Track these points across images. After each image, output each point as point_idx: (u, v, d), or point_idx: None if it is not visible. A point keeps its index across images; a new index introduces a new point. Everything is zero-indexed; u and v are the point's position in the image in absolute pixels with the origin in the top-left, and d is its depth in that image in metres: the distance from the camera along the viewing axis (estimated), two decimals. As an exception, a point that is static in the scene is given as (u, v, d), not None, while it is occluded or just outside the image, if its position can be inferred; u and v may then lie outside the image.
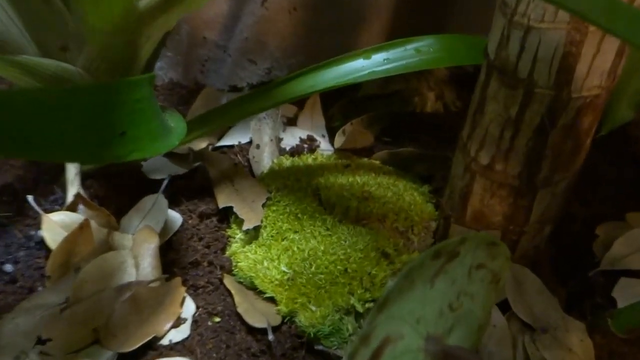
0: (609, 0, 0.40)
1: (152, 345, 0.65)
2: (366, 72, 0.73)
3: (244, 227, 0.75)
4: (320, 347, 0.65)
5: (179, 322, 0.67)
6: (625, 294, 0.73)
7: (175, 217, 0.79)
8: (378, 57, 0.74)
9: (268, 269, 0.71)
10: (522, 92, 0.61)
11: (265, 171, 0.86)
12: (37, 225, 0.77)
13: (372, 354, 0.38)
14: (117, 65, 0.70)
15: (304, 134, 0.93)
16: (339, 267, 0.70)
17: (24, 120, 0.45)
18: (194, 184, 0.85)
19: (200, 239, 0.77)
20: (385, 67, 0.73)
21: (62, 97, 0.47)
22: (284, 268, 0.71)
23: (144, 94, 0.51)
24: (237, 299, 0.69)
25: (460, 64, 0.76)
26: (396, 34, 0.81)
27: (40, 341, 0.62)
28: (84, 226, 0.70)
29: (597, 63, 0.58)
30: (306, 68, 0.78)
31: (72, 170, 0.77)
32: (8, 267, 0.73)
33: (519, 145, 0.64)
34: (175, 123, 0.59)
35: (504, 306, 0.69)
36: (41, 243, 0.75)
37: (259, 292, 0.71)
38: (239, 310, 0.68)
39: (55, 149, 0.46)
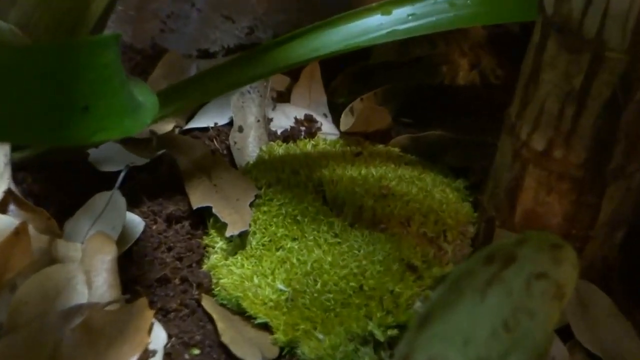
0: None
1: (113, 384, 0.67)
2: (385, 31, 0.76)
3: (227, 234, 0.77)
4: (329, 387, 0.68)
5: (146, 355, 0.69)
6: None
7: (136, 220, 0.82)
8: (401, 12, 0.77)
9: (260, 287, 0.74)
10: (588, 56, 0.64)
11: (251, 161, 0.88)
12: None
13: (412, 381, 0.41)
14: (62, 21, 0.72)
15: (300, 113, 0.96)
16: (352, 283, 0.72)
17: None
18: (158, 178, 0.87)
19: (170, 249, 0.79)
20: (410, 25, 0.76)
21: (5, 59, 0.50)
22: (280, 286, 0.73)
23: (110, 57, 0.54)
24: (220, 325, 0.72)
25: (505, 22, 0.79)
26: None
27: (-32, 379, 0.65)
28: (19, 231, 0.72)
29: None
30: (306, 27, 0.80)
31: (0, 160, 0.79)
32: None
33: (584, 126, 0.67)
34: (144, 97, 0.62)
35: (565, 333, 0.72)
36: (-40, 255, 0.78)
37: (248, 317, 0.73)
38: (224, 340, 0.70)
39: (1, 125, 0.49)
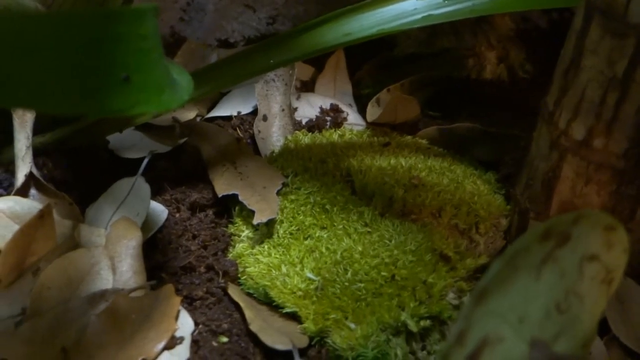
0: None
1: (140, 371, 0.67)
2: (420, 15, 0.76)
3: (255, 221, 0.77)
4: (360, 377, 0.68)
5: (173, 342, 0.69)
6: None
7: (159, 208, 0.82)
8: (433, -2, 0.77)
9: (288, 275, 0.74)
10: (633, 41, 0.64)
11: (276, 150, 0.88)
12: (-27, 216, 0.80)
13: (469, 357, 0.41)
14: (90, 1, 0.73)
15: (325, 103, 0.96)
16: (383, 273, 0.72)
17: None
18: (181, 166, 0.88)
19: (194, 237, 0.80)
20: (447, 10, 0.76)
21: (44, 25, 0.50)
22: (309, 274, 0.73)
23: (149, 29, 0.54)
24: (247, 314, 0.72)
25: (549, 7, 0.79)
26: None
27: (-8, 362, 0.65)
28: (44, 214, 0.72)
29: None
30: (337, 10, 0.81)
31: (22, 142, 0.79)
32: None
33: (627, 114, 0.67)
34: (178, 75, 0.62)
35: (602, 327, 0.72)
36: (-21, 239, 0.78)
37: (275, 307, 0.74)
38: (252, 328, 0.70)
39: (39, 94, 0.49)
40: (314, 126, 0.93)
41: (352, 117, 0.95)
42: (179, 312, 0.71)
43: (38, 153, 0.82)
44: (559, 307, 0.48)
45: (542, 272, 0.46)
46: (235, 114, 0.95)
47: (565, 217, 0.46)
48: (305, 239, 0.77)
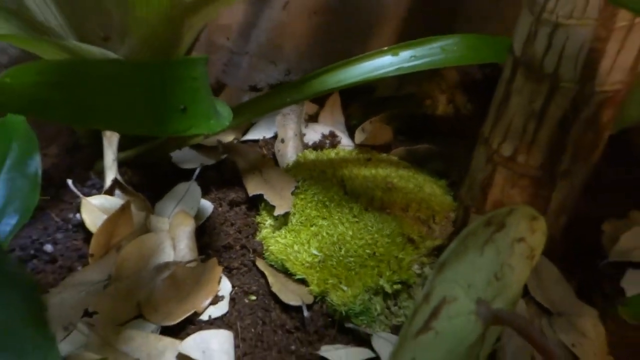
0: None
1: (192, 320, 0.65)
2: (394, 67, 0.75)
3: (275, 213, 0.76)
4: (350, 325, 0.66)
5: (216, 299, 0.67)
6: (633, 284, 0.75)
7: (207, 204, 0.80)
8: (405, 54, 0.75)
9: (299, 252, 0.72)
10: (547, 86, 0.63)
11: (290, 164, 0.87)
12: (74, 209, 0.78)
13: (432, 311, 0.40)
14: (159, 55, 0.71)
15: (325, 130, 0.94)
16: (367, 251, 0.71)
17: (91, 90, 0.46)
18: (222, 174, 0.86)
19: (232, 225, 0.78)
20: (413, 64, 0.74)
21: (126, 70, 0.48)
22: (314, 251, 0.72)
23: (200, 72, 0.52)
24: (270, 279, 0.70)
25: (483, 62, 0.78)
26: (406, 39, 0.82)
27: (87, 314, 0.63)
28: (125, 207, 0.71)
29: (621, 59, 0.59)
30: (335, 64, 0.79)
31: (109, 156, 0.78)
32: (48, 248, 0.73)
33: (542, 138, 0.65)
34: (221, 108, 0.60)
35: (524, 291, 0.70)
36: (78, 226, 0.76)
37: (290, 274, 0.72)
38: (274, 289, 0.69)
39: (122, 120, 0.47)
40: (317, 147, 0.91)
41: (345, 140, 0.93)
42: (220, 278, 0.70)
43: (121, 164, 0.81)
44: (496, 276, 0.46)
45: (485, 250, 0.44)
46: (261, 137, 0.93)
47: (502, 210, 0.45)
48: (311, 226, 0.75)
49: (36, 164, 0.55)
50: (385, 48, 0.78)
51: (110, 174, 0.77)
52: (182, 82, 0.51)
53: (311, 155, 0.88)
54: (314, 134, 0.94)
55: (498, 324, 0.43)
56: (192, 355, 0.59)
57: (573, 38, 0.59)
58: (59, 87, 0.44)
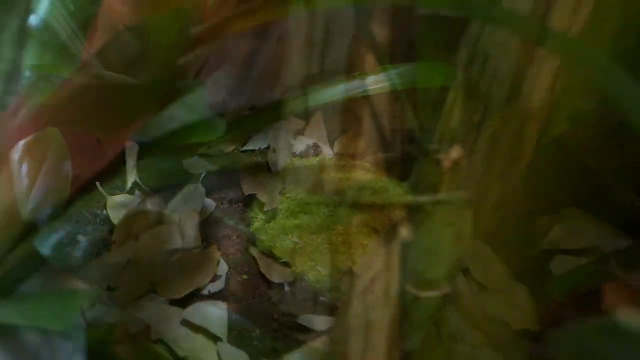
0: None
1: (196, 294, 0.70)
2: (361, 89, 0.79)
3: (266, 209, 0.80)
4: (323, 299, 0.70)
5: (215, 278, 0.71)
6: (560, 266, 0.78)
7: (210, 202, 0.84)
8: (370, 79, 0.80)
9: (284, 240, 0.77)
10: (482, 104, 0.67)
11: (280, 169, 0.91)
12: (101, 206, 0.82)
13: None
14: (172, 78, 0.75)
15: (310, 142, 0.98)
16: (339, 239, 0.75)
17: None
18: (224, 177, 0.90)
19: (230, 219, 0.82)
20: (375, 87, 0.78)
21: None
22: (296, 240, 0.76)
23: (199, 101, 0.57)
24: (259, 262, 0.75)
25: (432, 85, 0.81)
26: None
27: (109, 289, 0.67)
28: (142, 205, 0.75)
29: (540, 82, 0.64)
30: (315, 87, 0.83)
31: (131, 163, 0.82)
32: (80, 238, 0.78)
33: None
34: (218, 122, 0.65)
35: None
36: (105, 219, 0.80)
37: (276, 258, 0.76)
38: (262, 270, 0.73)
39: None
40: (303, 155, 0.95)
41: (326, 150, 0.97)
42: (219, 261, 0.74)
43: (140, 170, 0.85)
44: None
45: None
46: (257, 148, 0.97)
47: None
48: (295, 219, 0.79)
49: (67, 168, 0.59)
50: (357, 74, 0.82)
51: (131, 178, 0.81)
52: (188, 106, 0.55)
53: (297, 162, 0.92)
54: (300, 145, 0.98)
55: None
56: (193, 320, 0.63)
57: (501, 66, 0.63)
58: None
